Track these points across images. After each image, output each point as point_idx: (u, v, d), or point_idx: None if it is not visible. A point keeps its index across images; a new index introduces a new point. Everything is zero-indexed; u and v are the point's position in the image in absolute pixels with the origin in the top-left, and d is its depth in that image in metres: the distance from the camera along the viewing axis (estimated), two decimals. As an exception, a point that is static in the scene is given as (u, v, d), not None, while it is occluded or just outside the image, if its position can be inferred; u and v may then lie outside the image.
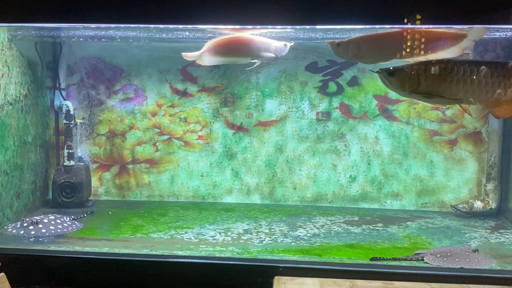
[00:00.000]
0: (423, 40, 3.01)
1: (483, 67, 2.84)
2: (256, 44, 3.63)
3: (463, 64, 2.83)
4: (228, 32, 3.60)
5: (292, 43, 3.70)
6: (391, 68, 2.91)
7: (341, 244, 3.60)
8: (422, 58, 2.95)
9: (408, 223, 4.21)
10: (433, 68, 2.84)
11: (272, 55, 3.64)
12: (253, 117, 4.76)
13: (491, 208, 4.41)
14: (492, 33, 3.70)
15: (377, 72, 2.96)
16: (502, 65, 2.87)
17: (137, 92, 4.79)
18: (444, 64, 2.86)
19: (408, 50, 3.00)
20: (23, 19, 3.29)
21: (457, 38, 2.99)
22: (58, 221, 3.86)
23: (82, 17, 3.21)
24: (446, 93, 2.88)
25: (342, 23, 3.16)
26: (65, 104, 4.53)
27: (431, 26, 3.29)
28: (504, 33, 3.70)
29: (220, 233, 3.83)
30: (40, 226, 3.72)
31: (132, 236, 3.74)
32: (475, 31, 2.95)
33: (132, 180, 4.88)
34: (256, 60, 3.70)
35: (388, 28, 3.40)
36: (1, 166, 3.85)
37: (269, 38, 3.66)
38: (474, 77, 2.85)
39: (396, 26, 3.25)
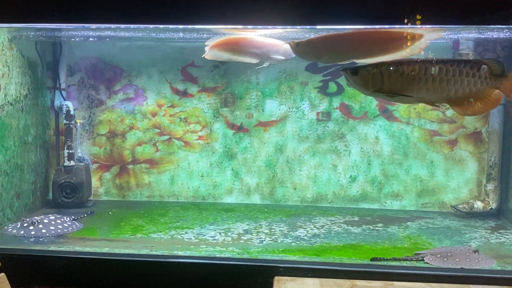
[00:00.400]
0: (380, 40, 3.03)
1: (445, 65, 2.86)
2: (265, 46, 3.63)
3: (426, 63, 2.85)
4: (234, 32, 3.59)
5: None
6: (355, 67, 2.92)
7: (341, 244, 3.60)
8: (381, 58, 2.97)
9: (408, 223, 4.21)
10: (396, 67, 2.85)
11: (282, 57, 3.64)
12: (253, 117, 4.76)
13: (491, 208, 4.41)
14: (492, 33, 3.72)
15: (342, 71, 2.98)
16: (466, 63, 2.89)
17: (137, 92, 4.79)
18: (407, 63, 2.87)
19: (366, 50, 3.02)
20: (23, 20, 3.30)
21: (414, 38, 3.01)
22: (58, 221, 3.86)
23: (82, 17, 3.22)
24: (409, 92, 2.89)
25: (343, 23, 3.17)
26: (66, 104, 4.53)
27: (430, 26, 3.30)
28: (505, 34, 3.71)
29: (220, 233, 3.83)
30: (40, 226, 3.72)
31: (132, 237, 3.74)
32: (432, 32, 2.98)
33: (132, 180, 4.88)
34: (265, 61, 3.71)
35: (388, 27, 3.41)
36: (2, 166, 3.85)
37: (277, 39, 3.66)
38: (436, 76, 2.86)
39: (397, 26, 3.26)
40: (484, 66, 2.87)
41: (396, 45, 3.02)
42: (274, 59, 3.67)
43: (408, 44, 3.02)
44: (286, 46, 3.59)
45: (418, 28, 3.30)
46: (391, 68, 2.87)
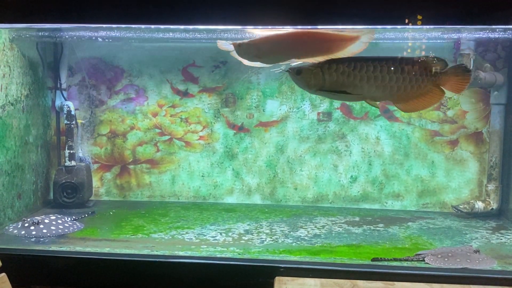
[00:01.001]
0: (319, 41, 3.06)
1: (387, 63, 2.90)
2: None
3: (367, 61, 2.90)
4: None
5: None
6: (298, 67, 3.00)
7: (342, 245, 3.60)
8: (321, 58, 3.01)
9: (409, 223, 4.21)
10: (336, 66, 2.91)
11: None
12: (254, 117, 4.76)
13: (492, 209, 4.41)
14: (493, 34, 3.72)
15: (286, 71, 3.04)
16: (407, 61, 2.93)
17: (138, 92, 4.80)
18: (348, 61, 2.92)
19: (306, 50, 3.06)
20: (24, 20, 3.30)
21: (351, 39, 3.04)
22: (59, 221, 3.87)
23: (82, 17, 3.22)
24: (351, 89, 2.95)
25: (343, 23, 3.17)
26: (66, 105, 4.54)
27: (432, 26, 3.30)
28: (506, 34, 3.71)
29: (221, 234, 3.83)
30: (41, 226, 3.73)
31: (133, 237, 3.74)
32: (367, 34, 3.01)
33: (133, 180, 4.88)
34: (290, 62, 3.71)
35: (390, 28, 3.42)
36: (3, 166, 3.85)
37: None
38: (377, 73, 2.90)
39: (399, 26, 3.26)
40: (424, 63, 2.93)
41: (333, 46, 3.04)
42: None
43: (347, 45, 3.03)
44: None
45: (419, 28, 3.31)
46: (332, 67, 2.93)
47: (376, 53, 3.67)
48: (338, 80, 2.94)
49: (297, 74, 3.01)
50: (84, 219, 4.16)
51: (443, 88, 2.95)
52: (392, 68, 2.91)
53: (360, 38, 2.99)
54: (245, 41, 3.13)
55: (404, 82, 2.92)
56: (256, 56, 3.13)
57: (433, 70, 2.94)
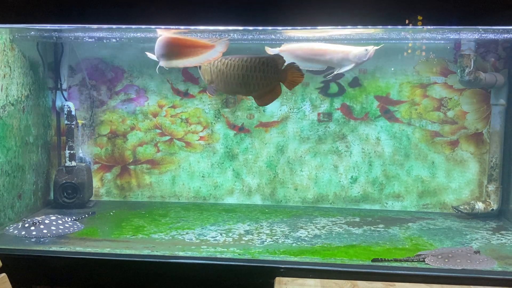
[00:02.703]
0: (180, 46, 3.39)
1: (245, 63, 3.21)
2: (334, 54, 3.67)
3: (235, 60, 3.22)
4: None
5: (378, 47, 3.67)
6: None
7: (342, 245, 3.60)
8: (184, 62, 3.39)
9: (410, 224, 4.21)
10: (217, 63, 3.27)
11: (352, 63, 3.66)
12: (255, 118, 4.77)
13: (492, 210, 4.41)
14: (494, 34, 3.72)
15: (198, 67, 3.41)
16: (259, 60, 3.22)
17: (138, 92, 4.80)
18: (225, 59, 3.25)
19: (171, 53, 3.39)
20: (24, 20, 3.30)
21: (207, 47, 3.31)
22: (60, 221, 3.87)
23: (83, 18, 3.22)
24: (225, 86, 3.33)
25: (344, 24, 3.17)
26: (67, 105, 4.54)
27: (432, 27, 3.30)
28: (507, 34, 3.71)
29: (221, 234, 3.83)
30: (42, 226, 3.73)
31: (133, 237, 3.74)
32: (221, 44, 3.26)
33: (134, 180, 4.88)
34: (335, 68, 3.77)
35: (391, 28, 3.42)
36: (3, 167, 3.86)
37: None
38: (239, 72, 3.24)
39: (400, 27, 3.27)
40: (270, 61, 3.23)
41: (191, 52, 3.34)
42: (344, 65, 3.71)
43: (204, 52, 3.32)
44: (357, 51, 3.63)
45: (420, 29, 3.32)
46: (215, 64, 3.28)
47: (375, 52, 3.70)
48: (218, 76, 3.31)
49: (200, 68, 3.40)
50: (84, 219, 4.16)
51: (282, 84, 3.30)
52: (247, 67, 3.22)
53: (215, 47, 3.29)
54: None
55: (256, 80, 3.24)
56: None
57: (278, 68, 3.24)
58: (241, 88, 3.31)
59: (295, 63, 3.29)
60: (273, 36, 3.73)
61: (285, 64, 3.25)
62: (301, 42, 3.71)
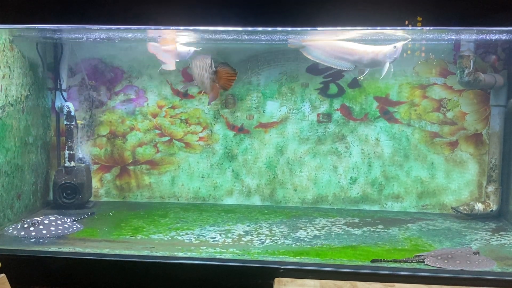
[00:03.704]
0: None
1: (201, 62, 3.62)
2: (364, 54, 3.69)
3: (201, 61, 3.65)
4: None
5: (404, 42, 3.67)
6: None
7: (341, 246, 3.60)
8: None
9: (409, 225, 4.21)
10: (196, 63, 3.70)
11: (384, 63, 3.68)
12: (254, 118, 4.76)
13: (491, 210, 4.41)
14: (494, 35, 3.72)
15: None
16: (206, 59, 3.62)
17: (138, 93, 4.80)
18: (200, 59, 3.67)
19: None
20: (24, 21, 3.30)
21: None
22: (59, 222, 3.86)
23: (82, 18, 3.22)
24: (199, 83, 3.79)
25: (344, 25, 3.18)
26: (66, 105, 4.53)
27: (432, 28, 3.30)
28: (506, 35, 3.71)
29: (220, 235, 3.83)
30: (41, 227, 3.73)
31: (132, 238, 3.74)
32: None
33: (133, 181, 4.88)
34: (366, 68, 3.82)
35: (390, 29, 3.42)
36: (2, 167, 3.85)
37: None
38: (198, 70, 3.69)
39: (399, 28, 3.27)
40: (208, 62, 3.58)
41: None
42: (374, 65, 3.73)
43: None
44: (386, 49, 3.65)
45: (419, 30, 3.33)
46: (195, 64, 3.71)
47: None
48: (196, 74, 3.74)
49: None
50: (84, 220, 4.16)
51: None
52: (200, 67, 3.64)
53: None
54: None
55: (204, 78, 3.64)
56: None
57: (212, 68, 3.57)
58: (203, 86, 3.71)
59: (226, 62, 3.58)
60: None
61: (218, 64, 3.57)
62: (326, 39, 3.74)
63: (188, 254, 3.37)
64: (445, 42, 4.29)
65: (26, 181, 4.26)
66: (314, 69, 4.64)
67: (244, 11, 3.10)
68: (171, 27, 3.54)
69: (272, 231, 3.94)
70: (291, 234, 3.88)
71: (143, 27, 3.55)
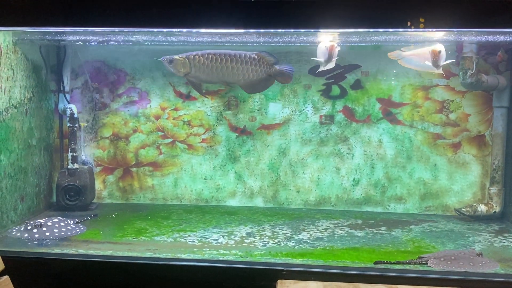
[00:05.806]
0: None
1: (235, 57, 3.80)
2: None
3: (220, 55, 3.80)
4: None
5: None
6: (171, 57, 3.86)
7: (344, 248, 3.60)
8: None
9: (412, 226, 4.20)
10: (199, 58, 3.80)
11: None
12: (257, 120, 4.77)
13: (495, 212, 4.40)
14: (497, 37, 3.72)
15: (161, 59, 3.88)
16: (249, 55, 3.83)
17: (141, 95, 4.81)
18: (207, 54, 3.80)
19: None
20: (27, 23, 3.31)
21: None
22: (62, 224, 3.87)
23: (86, 21, 3.23)
24: (210, 76, 3.86)
25: (346, 26, 3.18)
26: (69, 107, 4.55)
27: (435, 29, 3.30)
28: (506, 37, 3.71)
29: (223, 236, 3.83)
30: (44, 229, 3.73)
31: (135, 239, 3.74)
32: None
33: (136, 183, 4.88)
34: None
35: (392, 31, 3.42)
36: (6, 169, 3.86)
37: None
38: (230, 64, 3.81)
39: (401, 29, 3.27)
40: (261, 57, 3.85)
41: None
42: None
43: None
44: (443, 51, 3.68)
45: (421, 31, 3.32)
46: (196, 58, 3.80)
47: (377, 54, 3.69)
48: (201, 68, 3.82)
49: (169, 63, 3.85)
50: (87, 221, 4.17)
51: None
52: (239, 61, 3.80)
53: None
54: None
55: (248, 72, 3.83)
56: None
57: (268, 63, 3.87)
58: (230, 78, 3.86)
59: (286, 66, 3.95)
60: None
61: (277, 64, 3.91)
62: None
63: (191, 256, 3.37)
64: (448, 44, 4.28)
65: (30, 183, 4.27)
66: (317, 70, 4.62)
67: (247, 14, 3.11)
68: (174, 29, 3.55)
69: (275, 233, 3.94)
70: (293, 235, 3.88)
71: (145, 29, 3.56)
